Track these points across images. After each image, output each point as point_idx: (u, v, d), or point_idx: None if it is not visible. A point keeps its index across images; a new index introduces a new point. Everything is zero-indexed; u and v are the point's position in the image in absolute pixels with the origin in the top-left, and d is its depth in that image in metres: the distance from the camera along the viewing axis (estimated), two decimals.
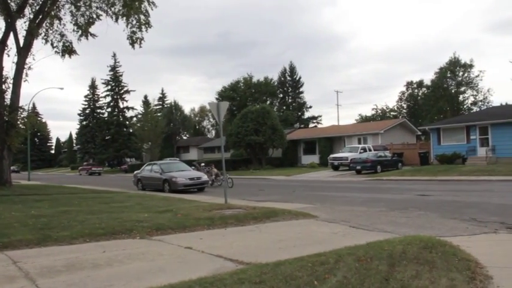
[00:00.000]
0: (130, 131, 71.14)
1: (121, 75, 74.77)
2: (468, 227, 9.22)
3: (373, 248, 6.48)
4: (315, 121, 77.83)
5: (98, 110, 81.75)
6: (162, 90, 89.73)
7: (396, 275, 5.15)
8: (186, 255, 7.07)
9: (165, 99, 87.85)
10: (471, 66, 65.20)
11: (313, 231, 9.20)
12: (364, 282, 4.90)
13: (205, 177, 23.71)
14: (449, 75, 66.24)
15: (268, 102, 70.50)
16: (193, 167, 28.01)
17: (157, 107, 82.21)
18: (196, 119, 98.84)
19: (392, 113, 75.74)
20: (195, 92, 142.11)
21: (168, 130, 74.04)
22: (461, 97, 67.40)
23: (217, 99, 66.89)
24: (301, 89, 77.53)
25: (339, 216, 11.36)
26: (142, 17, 22.41)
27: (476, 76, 65.20)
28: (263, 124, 43.69)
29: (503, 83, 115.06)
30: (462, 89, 66.58)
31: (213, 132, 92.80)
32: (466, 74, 65.85)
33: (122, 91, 74.87)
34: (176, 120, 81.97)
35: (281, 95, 77.66)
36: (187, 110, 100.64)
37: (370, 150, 36.43)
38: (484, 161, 30.79)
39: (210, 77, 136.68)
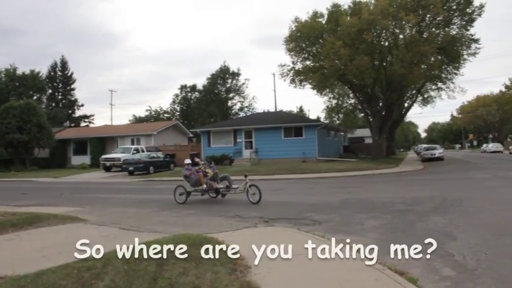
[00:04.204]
0: None
1: None
2: (232, 223, 9.97)
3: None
4: (87, 120, 74.73)
5: None
6: None
7: (164, 273, 5.28)
8: None
9: None
10: (238, 74, 71.27)
11: (81, 236, 8.72)
12: (133, 284, 4.90)
13: None
14: (219, 81, 70.87)
15: (34, 97, 64.79)
16: None
17: None
18: None
19: (166, 115, 77.16)
20: None
21: None
22: (230, 102, 72.87)
23: None
24: (72, 86, 73.89)
25: (109, 218, 11.11)
26: None
27: (243, 84, 71.50)
28: (28, 121, 40.57)
29: (265, 92, 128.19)
30: (231, 95, 72.05)
31: None
32: (234, 82, 71.49)
33: None
34: None
35: (50, 91, 72.56)
36: None
37: (143, 151, 36.55)
38: (249, 162, 33.79)
39: None
